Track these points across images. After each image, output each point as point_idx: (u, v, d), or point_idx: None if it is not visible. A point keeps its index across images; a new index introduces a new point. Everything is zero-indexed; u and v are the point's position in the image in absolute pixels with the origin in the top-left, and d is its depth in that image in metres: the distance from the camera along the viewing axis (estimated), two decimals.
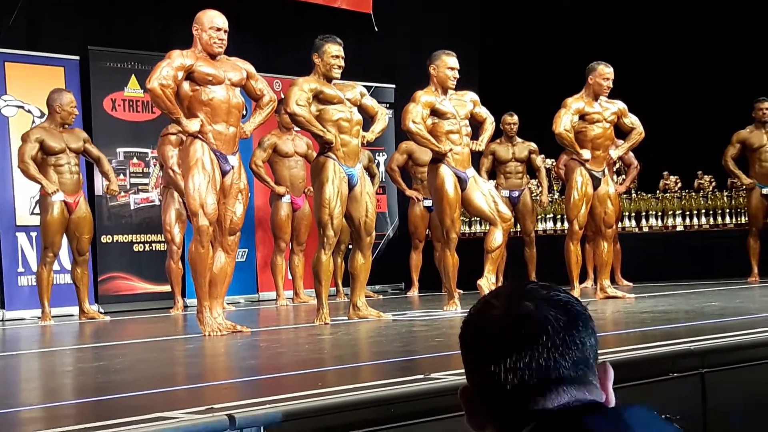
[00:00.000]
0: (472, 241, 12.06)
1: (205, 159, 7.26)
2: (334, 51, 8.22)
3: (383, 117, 8.59)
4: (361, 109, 8.48)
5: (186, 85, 7.31)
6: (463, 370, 1.65)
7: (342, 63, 8.26)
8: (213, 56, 7.42)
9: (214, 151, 7.30)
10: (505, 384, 1.58)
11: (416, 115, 8.74)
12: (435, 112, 8.90)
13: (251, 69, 7.69)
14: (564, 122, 9.54)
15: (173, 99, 7.20)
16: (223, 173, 7.36)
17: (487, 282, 8.65)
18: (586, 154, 9.59)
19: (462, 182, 8.91)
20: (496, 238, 8.91)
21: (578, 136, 9.65)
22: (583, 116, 9.65)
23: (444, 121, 8.91)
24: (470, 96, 9.18)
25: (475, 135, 9.25)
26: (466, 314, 1.67)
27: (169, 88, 7.17)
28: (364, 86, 9.01)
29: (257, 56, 12.49)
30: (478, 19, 15.64)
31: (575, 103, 9.64)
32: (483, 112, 9.22)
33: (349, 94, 8.33)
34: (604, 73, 9.63)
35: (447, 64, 8.90)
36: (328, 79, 8.25)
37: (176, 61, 7.25)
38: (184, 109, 7.30)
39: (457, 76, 8.95)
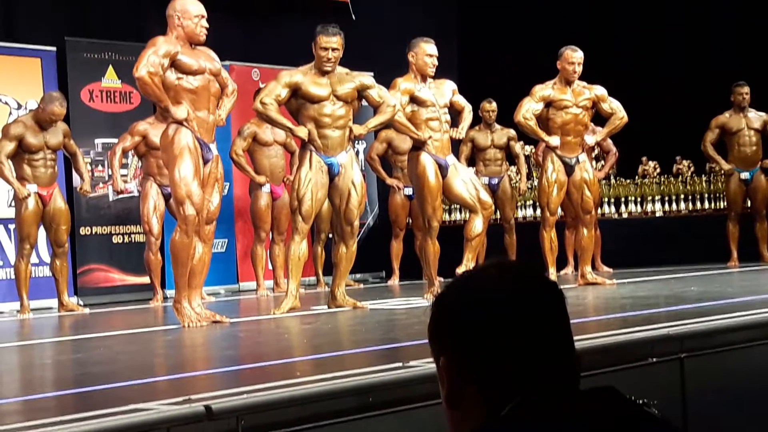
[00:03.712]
0: (451, 229, 12.05)
1: (190, 147, 7.21)
2: (322, 42, 8.09)
3: (386, 111, 8.34)
4: (366, 100, 8.38)
5: (171, 74, 7.24)
6: None
7: (331, 55, 8.08)
8: (194, 44, 7.37)
9: (197, 140, 7.26)
10: (500, 358, 1.60)
11: (396, 102, 8.69)
12: (414, 100, 8.86)
13: (217, 57, 7.64)
14: (524, 110, 9.56)
15: (161, 86, 7.15)
16: (205, 162, 7.32)
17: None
18: (554, 140, 9.58)
19: (442, 169, 8.88)
20: (476, 225, 8.89)
21: (547, 123, 9.66)
22: (551, 103, 9.65)
23: (423, 109, 8.86)
24: (449, 85, 9.13)
25: (454, 124, 9.23)
26: (456, 290, 1.67)
27: (157, 76, 7.11)
28: None
29: (234, 44, 12.52)
30: (457, 5, 15.63)
31: (543, 90, 9.64)
32: (461, 100, 9.17)
33: (342, 90, 8.17)
34: (570, 57, 9.59)
35: (425, 51, 8.84)
36: (322, 72, 8.18)
37: (162, 48, 7.17)
38: (170, 97, 7.25)
39: (436, 63, 8.90)
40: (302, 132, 8.08)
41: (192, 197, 7.16)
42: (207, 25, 7.37)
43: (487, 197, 9.10)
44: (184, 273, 7.30)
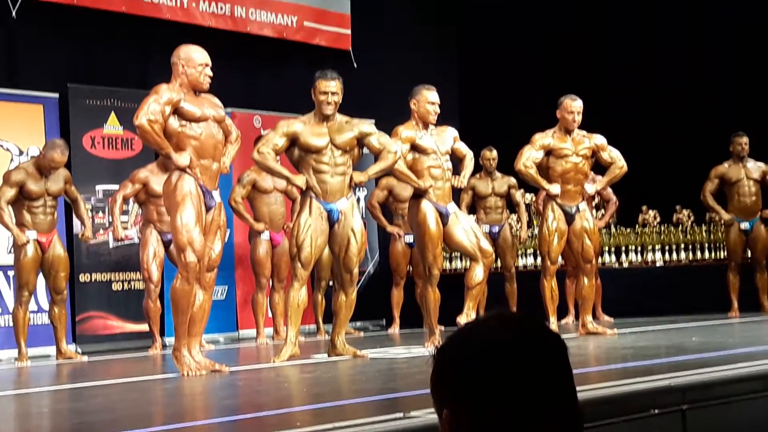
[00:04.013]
0: (452, 277, 12.03)
1: (192, 194, 7.20)
2: (322, 87, 8.11)
3: (387, 157, 8.28)
4: (367, 147, 8.37)
5: (174, 121, 7.24)
6: None
7: (331, 99, 8.09)
8: (198, 92, 7.37)
9: (200, 187, 7.25)
10: (503, 409, 1.60)
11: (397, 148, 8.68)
12: (415, 148, 8.86)
13: (220, 104, 7.65)
14: (524, 158, 9.57)
15: (161, 134, 7.14)
16: (207, 209, 7.31)
17: (467, 319, 8.58)
18: (554, 188, 9.57)
19: (443, 217, 8.86)
20: (477, 274, 8.87)
21: (548, 171, 9.66)
22: (551, 152, 9.65)
23: (424, 157, 8.86)
24: (450, 132, 9.13)
25: (455, 170, 9.22)
26: (458, 341, 1.67)
27: (157, 124, 7.09)
28: None
29: (237, 92, 12.56)
30: (457, 54, 15.71)
31: (543, 139, 9.65)
32: (463, 148, 9.16)
33: (340, 138, 8.15)
34: (569, 106, 9.59)
35: (428, 98, 8.85)
36: (324, 117, 8.20)
37: (164, 96, 7.17)
38: (172, 144, 7.24)
39: (438, 110, 8.90)
40: (300, 181, 8.09)
41: (193, 244, 7.14)
42: (211, 74, 7.38)
43: (487, 245, 9.09)
44: (184, 321, 7.27)
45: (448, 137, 9.04)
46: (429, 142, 8.88)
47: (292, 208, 11.41)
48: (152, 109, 7.10)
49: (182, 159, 7.16)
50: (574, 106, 9.59)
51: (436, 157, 8.89)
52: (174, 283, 7.30)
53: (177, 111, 7.23)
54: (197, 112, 7.29)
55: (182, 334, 7.26)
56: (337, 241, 8.20)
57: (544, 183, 9.61)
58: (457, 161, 9.21)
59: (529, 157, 9.57)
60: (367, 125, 8.43)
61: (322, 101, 8.13)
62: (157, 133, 7.10)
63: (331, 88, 8.13)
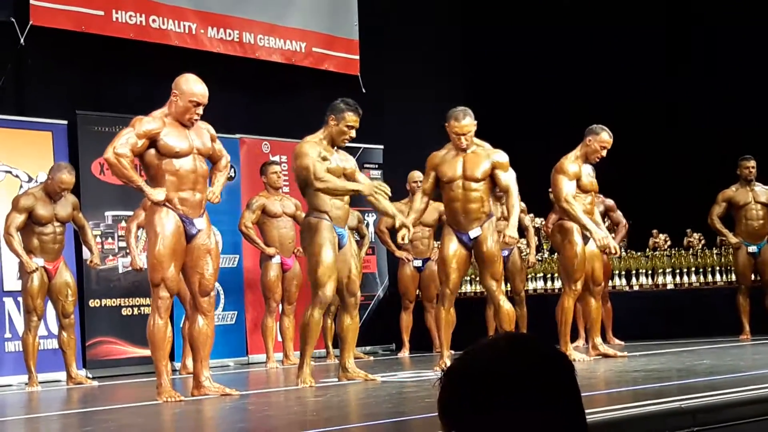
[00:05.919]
0: (466, 302, 11.99)
1: (168, 226, 7.14)
2: (350, 120, 8.06)
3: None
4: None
5: (153, 152, 7.22)
6: None
7: (354, 135, 8.16)
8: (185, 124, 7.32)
9: (180, 216, 7.21)
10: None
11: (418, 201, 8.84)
12: (441, 176, 8.78)
13: (212, 131, 7.59)
14: (565, 193, 9.31)
15: (130, 167, 7.08)
16: (190, 237, 7.27)
17: None
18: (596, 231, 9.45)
19: (464, 242, 8.77)
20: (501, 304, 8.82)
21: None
22: (577, 181, 9.59)
23: (447, 186, 8.76)
24: (494, 155, 8.82)
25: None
26: (466, 363, 1.66)
27: (125, 158, 7.05)
28: (353, 147, 8.99)
29: (245, 117, 12.60)
30: (465, 80, 15.72)
31: (572, 166, 9.43)
32: (504, 178, 8.78)
33: (348, 165, 8.21)
34: (605, 141, 9.37)
35: (454, 126, 8.68)
36: (333, 144, 8.18)
37: (142, 127, 7.13)
38: (154, 175, 7.21)
39: (465, 138, 8.65)
40: (366, 188, 8.05)
41: (166, 281, 7.11)
42: (200, 113, 7.27)
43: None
44: (161, 356, 7.22)
45: (485, 161, 8.80)
46: (452, 167, 8.77)
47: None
48: (122, 141, 7.08)
49: (157, 194, 7.10)
50: (608, 141, 9.36)
51: (459, 184, 8.76)
52: (149, 319, 7.24)
53: (155, 144, 7.20)
54: (175, 148, 7.21)
55: (161, 369, 7.20)
56: (344, 265, 8.19)
57: (590, 225, 9.37)
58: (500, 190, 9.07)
59: (569, 192, 9.35)
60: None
61: (345, 132, 8.08)
62: (124, 166, 7.05)
63: (357, 123, 8.13)
